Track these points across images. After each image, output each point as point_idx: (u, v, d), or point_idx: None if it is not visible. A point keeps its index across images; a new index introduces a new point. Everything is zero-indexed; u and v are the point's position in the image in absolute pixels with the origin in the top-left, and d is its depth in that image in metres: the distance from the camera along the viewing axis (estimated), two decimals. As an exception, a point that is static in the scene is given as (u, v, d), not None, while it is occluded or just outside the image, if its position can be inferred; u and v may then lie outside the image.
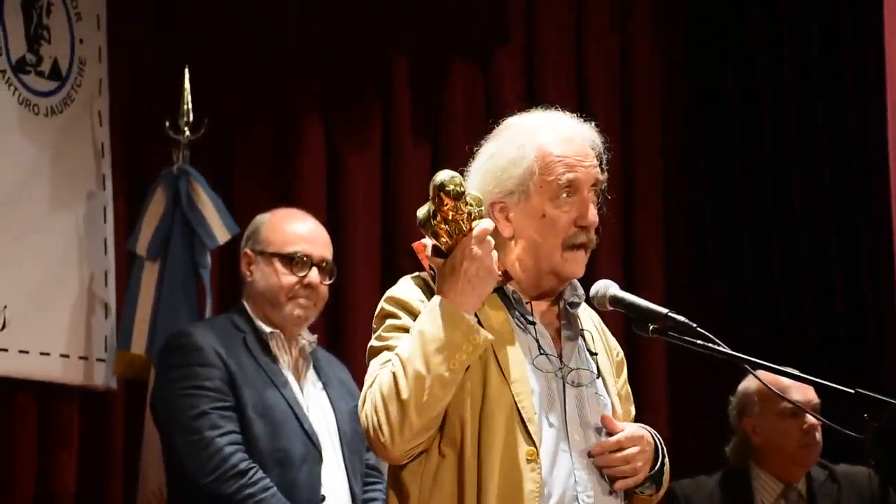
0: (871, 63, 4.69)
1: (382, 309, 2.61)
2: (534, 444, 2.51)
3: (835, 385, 2.54)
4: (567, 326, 2.66)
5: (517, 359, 2.56)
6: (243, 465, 3.41)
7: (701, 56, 5.46)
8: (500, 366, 2.54)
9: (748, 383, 4.22)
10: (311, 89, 4.96)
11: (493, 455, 2.49)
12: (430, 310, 2.49)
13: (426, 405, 2.45)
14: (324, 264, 3.72)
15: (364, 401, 2.52)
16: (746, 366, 2.59)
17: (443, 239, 2.48)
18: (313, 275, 3.67)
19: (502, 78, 5.18)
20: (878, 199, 4.65)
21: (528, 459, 2.50)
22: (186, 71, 4.52)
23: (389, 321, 2.59)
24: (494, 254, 2.51)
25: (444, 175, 2.44)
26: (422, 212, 2.47)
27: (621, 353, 2.81)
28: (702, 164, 5.46)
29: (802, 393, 4.08)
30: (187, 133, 4.49)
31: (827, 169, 5.20)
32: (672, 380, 5.27)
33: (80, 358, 4.34)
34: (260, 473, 3.42)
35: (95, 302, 4.40)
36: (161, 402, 3.59)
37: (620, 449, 2.57)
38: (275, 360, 3.62)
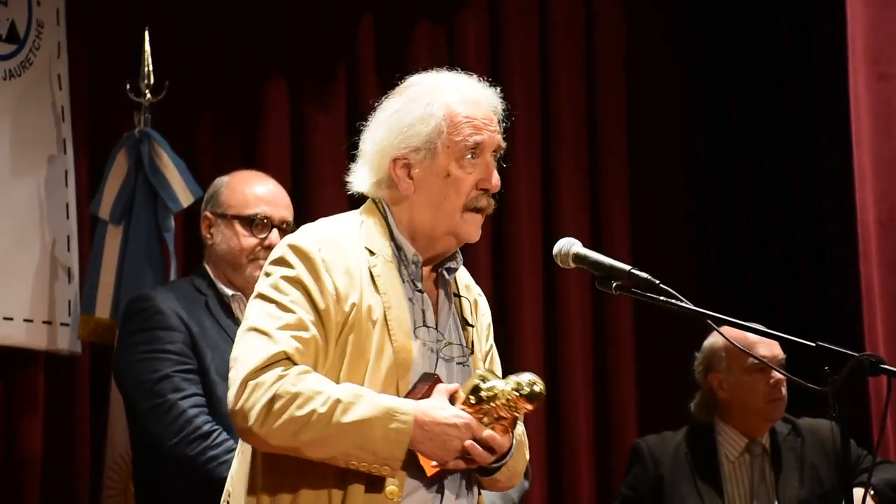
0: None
1: (281, 257, 2.57)
2: None
3: (796, 339, 2.56)
4: (444, 295, 2.66)
5: (404, 327, 2.56)
6: (207, 427, 3.41)
7: (670, 20, 5.45)
8: (388, 329, 2.54)
9: (714, 339, 4.24)
10: (274, 49, 4.92)
11: None
12: (392, 412, 2.45)
13: (305, 454, 2.45)
14: (284, 226, 3.71)
15: (258, 372, 2.45)
16: (710, 322, 2.60)
17: (491, 411, 2.51)
18: (274, 236, 3.66)
19: (466, 38, 5.17)
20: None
21: None
22: (146, 32, 4.48)
23: (284, 270, 2.54)
24: (479, 453, 2.50)
25: (539, 386, 2.51)
26: (498, 387, 2.50)
27: (489, 317, 2.80)
28: (670, 121, 5.45)
29: (768, 348, 4.10)
30: (148, 95, 4.45)
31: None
32: (638, 337, 5.29)
33: (44, 322, 4.32)
34: (224, 435, 3.41)
35: (58, 266, 4.38)
36: (123, 366, 3.57)
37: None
38: (237, 322, 3.60)
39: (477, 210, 2.62)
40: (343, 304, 2.52)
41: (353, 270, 2.55)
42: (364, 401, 2.45)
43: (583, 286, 5.16)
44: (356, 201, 4.88)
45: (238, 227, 3.67)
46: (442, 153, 2.59)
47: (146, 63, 4.46)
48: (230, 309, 3.64)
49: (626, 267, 2.61)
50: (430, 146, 2.59)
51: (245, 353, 2.49)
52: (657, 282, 2.57)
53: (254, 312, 2.54)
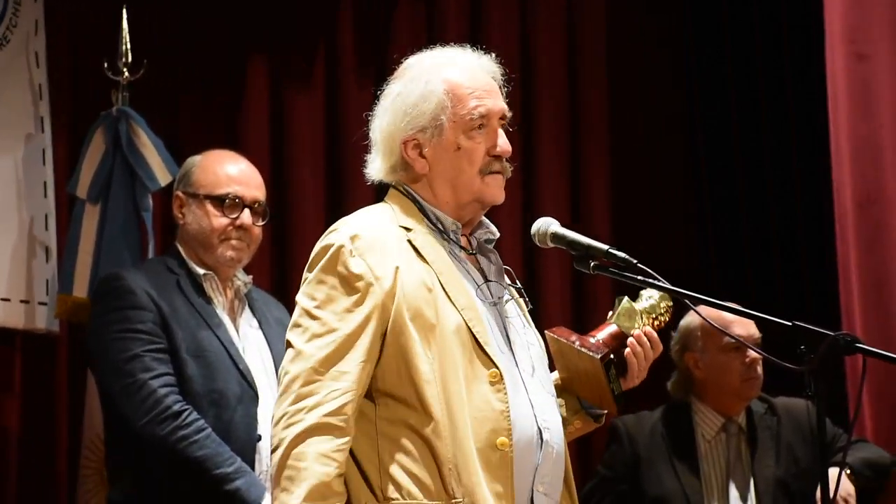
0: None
1: (313, 259, 2.58)
2: (495, 366, 2.53)
3: (773, 318, 2.56)
4: (488, 261, 2.69)
5: (462, 288, 2.58)
6: (177, 407, 3.41)
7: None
8: (448, 295, 2.55)
9: (690, 318, 4.25)
10: (254, 29, 4.91)
11: (456, 381, 2.49)
12: None
13: None
14: (256, 206, 3.70)
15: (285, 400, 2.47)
16: (687, 301, 2.61)
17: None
18: (245, 216, 3.66)
19: (447, 18, 5.15)
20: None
21: (491, 382, 2.52)
22: (124, 10, 4.46)
23: (313, 274, 2.55)
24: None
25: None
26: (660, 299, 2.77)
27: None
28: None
29: (744, 328, 4.12)
30: (126, 74, 4.43)
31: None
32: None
33: (22, 301, 4.31)
34: (194, 415, 3.41)
35: (36, 245, 4.37)
36: (94, 346, 3.57)
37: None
38: (209, 301, 3.62)
39: (494, 172, 2.64)
40: (383, 282, 2.51)
41: (390, 249, 2.55)
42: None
43: (563, 267, 5.16)
44: (334, 181, 4.93)
45: (209, 206, 3.66)
46: (449, 128, 2.62)
47: (124, 41, 4.44)
48: (202, 288, 3.63)
49: (604, 246, 2.61)
50: (437, 123, 2.61)
51: (282, 369, 2.53)
52: (635, 261, 2.58)
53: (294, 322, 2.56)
